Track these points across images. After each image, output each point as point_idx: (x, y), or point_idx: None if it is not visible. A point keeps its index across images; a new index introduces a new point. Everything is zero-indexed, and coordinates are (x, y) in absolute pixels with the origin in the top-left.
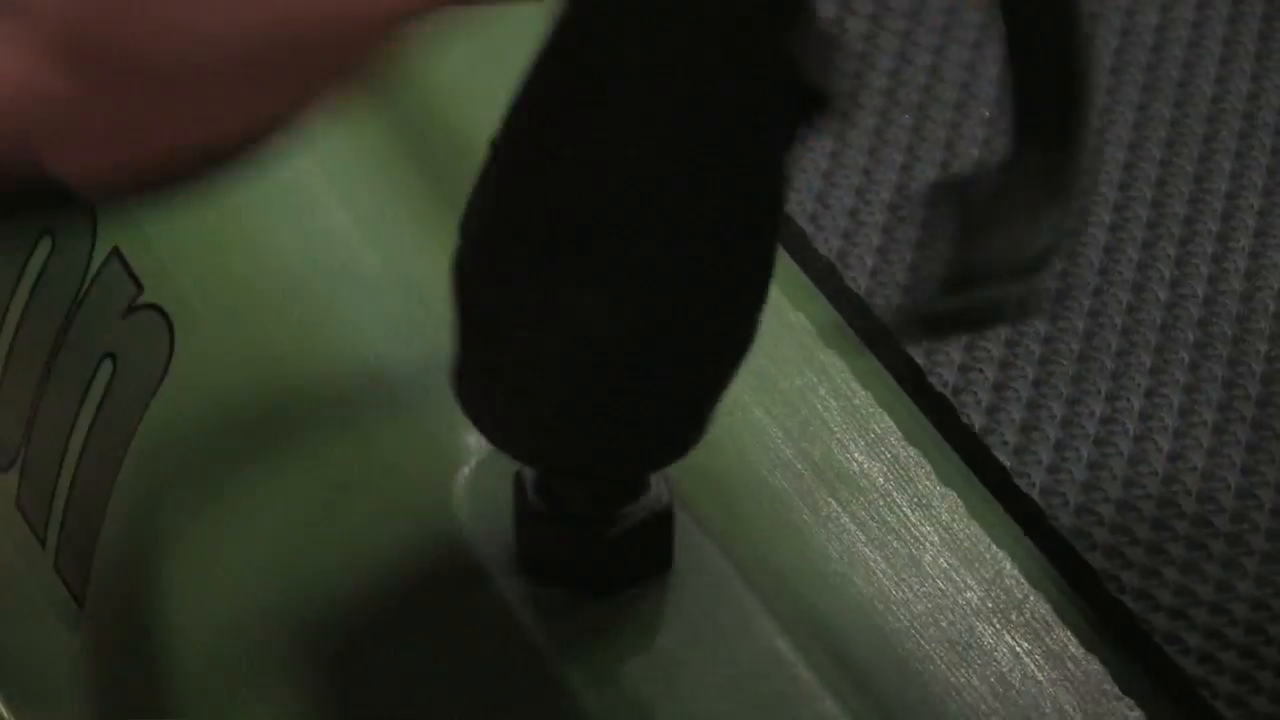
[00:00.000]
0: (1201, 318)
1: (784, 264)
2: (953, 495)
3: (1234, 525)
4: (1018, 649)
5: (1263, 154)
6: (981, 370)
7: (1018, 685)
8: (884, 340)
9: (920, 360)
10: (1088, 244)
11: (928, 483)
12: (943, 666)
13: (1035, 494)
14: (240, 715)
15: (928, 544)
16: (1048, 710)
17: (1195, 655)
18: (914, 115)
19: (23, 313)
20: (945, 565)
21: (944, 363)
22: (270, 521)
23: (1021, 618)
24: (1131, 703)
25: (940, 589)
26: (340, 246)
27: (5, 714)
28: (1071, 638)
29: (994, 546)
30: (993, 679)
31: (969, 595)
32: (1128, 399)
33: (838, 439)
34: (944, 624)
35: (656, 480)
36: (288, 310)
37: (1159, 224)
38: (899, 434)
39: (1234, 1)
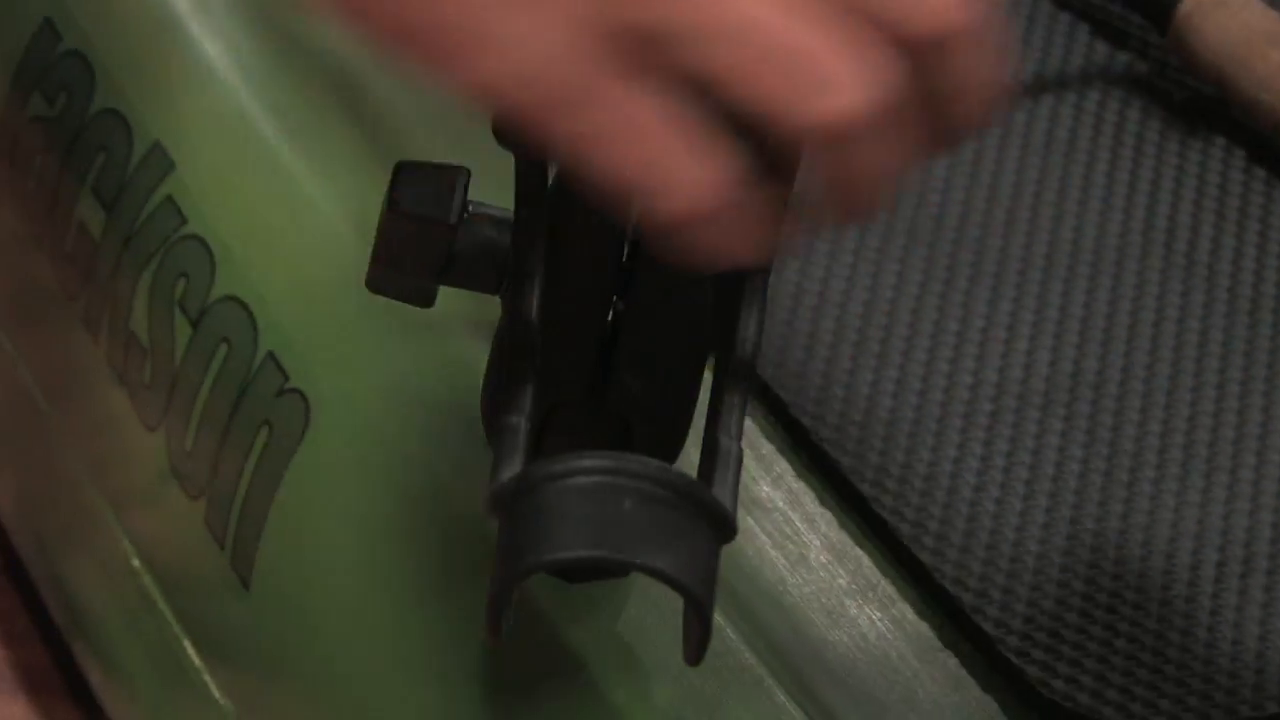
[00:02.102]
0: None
1: None
2: (828, 514)
3: (1029, 509)
4: (872, 618)
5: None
6: (849, 426)
7: (873, 642)
8: (779, 409)
9: (806, 422)
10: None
11: (812, 506)
12: (822, 630)
13: (885, 513)
14: (355, 668)
15: (812, 547)
16: (893, 658)
17: (992, 620)
18: None
19: (210, 394)
20: (824, 561)
21: (823, 425)
22: (379, 529)
23: (875, 596)
24: (950, 654)
25: (820, 577)
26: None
27: (196, 660)
28: (908, 609)
29: (856, 548)
30: (856, 638)
31: (840, 581)
32: (971, 446)
33: (751, 476)
34: (823, 601)
35: None
36: (398, 407)
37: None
38: (792, 473)
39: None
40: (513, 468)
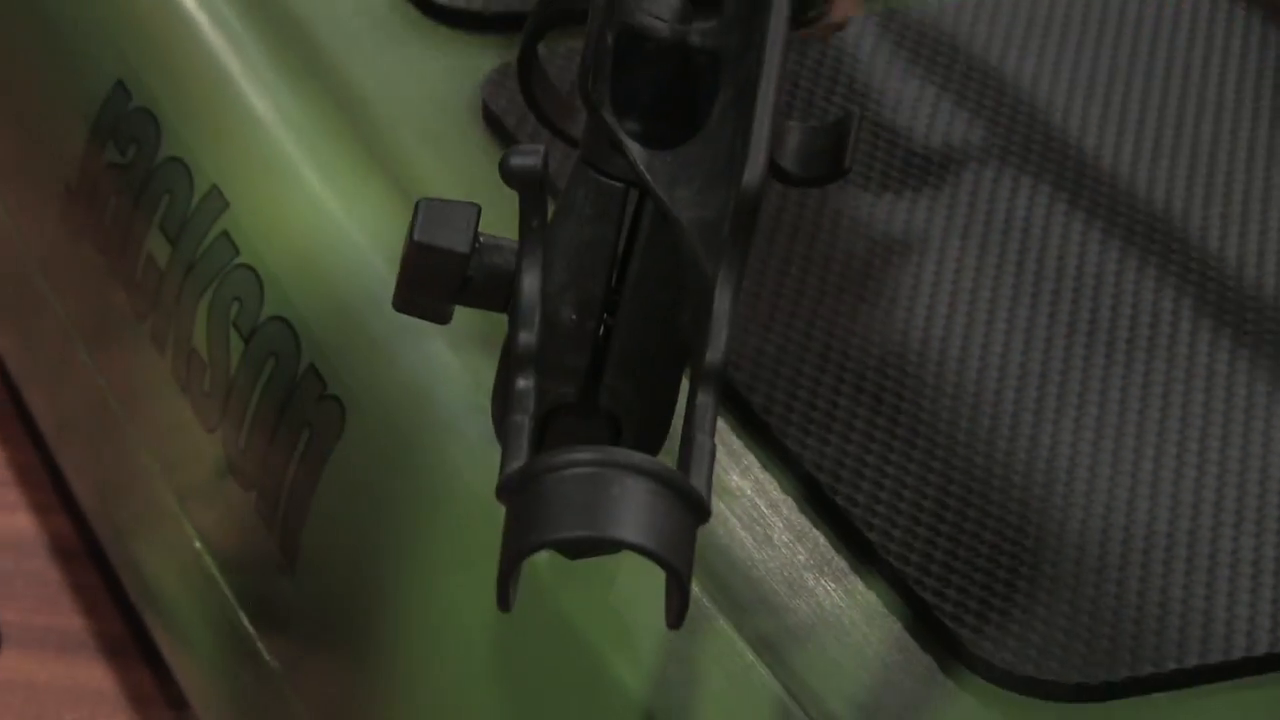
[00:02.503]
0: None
1: None
2: (790, 500)
3: (966, 497)
4: (827, 589)
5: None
6: (810, 425)
7: (828, 610)
8: (748, 410)
9: (772, 422)
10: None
11: (775, 493)
12: (784, 599)
13: (840, 499)
14: (385, 634)
15: (775, 528)
16: (845, 624)
17: (931, 590)
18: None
19: (259, 400)
20: (786, 540)
21: (788, 424)
22: (405, 515)
23: (830, 570)
24: (895, 619)
25: (783, 554)
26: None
27: (249, 628)
28: (859, 581)
29: (814, 529)
30: (814, 606)
31: (799, 558)
32: (917, 443)
33: (723, 467)
34: (785, 574)
35: None
36: (421, 410)
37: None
38: (759, 464)
39: None
40: (518, 460)
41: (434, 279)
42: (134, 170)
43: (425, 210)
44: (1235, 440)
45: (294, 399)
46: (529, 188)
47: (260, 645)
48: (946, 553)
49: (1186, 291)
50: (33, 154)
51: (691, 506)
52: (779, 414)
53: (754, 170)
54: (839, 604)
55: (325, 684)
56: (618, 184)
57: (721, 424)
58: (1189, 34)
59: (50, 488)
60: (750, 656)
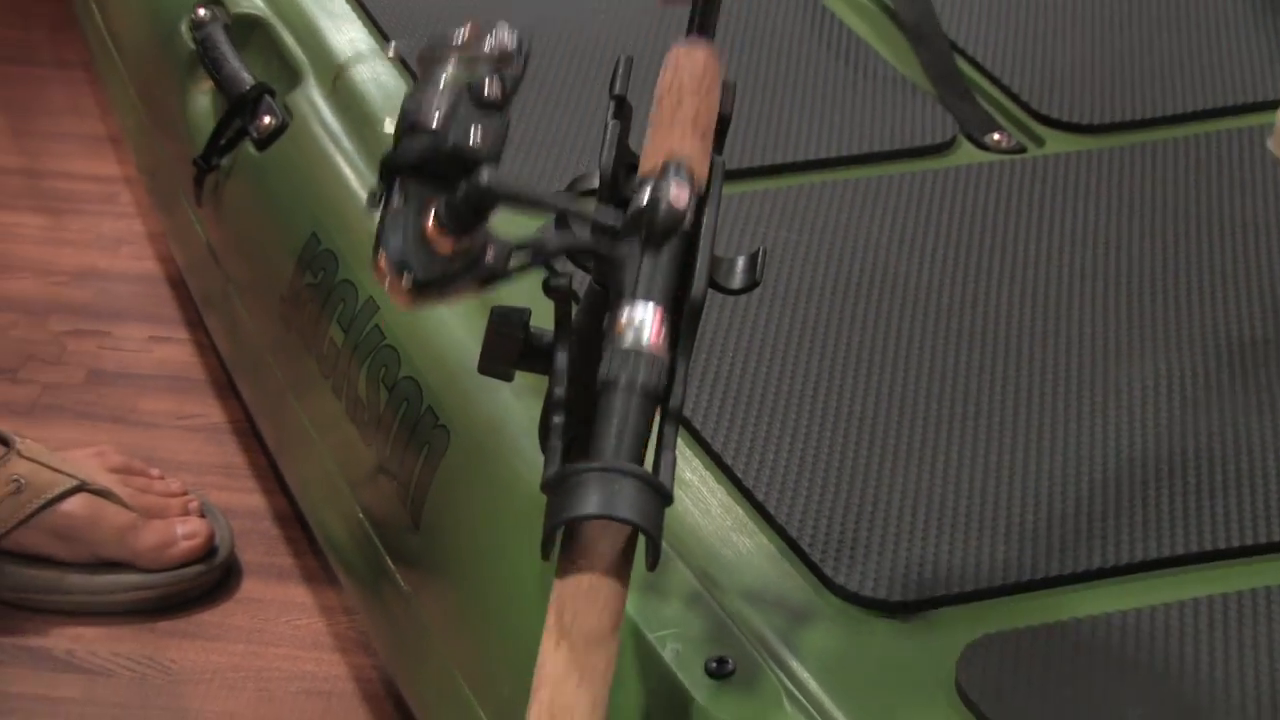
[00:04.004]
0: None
1: None
2: (721, 490)
3: (841, 474)
4: (744, 543)
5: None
6: (735, 441)
7: (744, 555)
8: (697, 432)
9: (710, 439)
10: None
11: (713, 484)
12: (717, 548)
13: (751, 485)
14: (476, 572)
15: (712, 505)
16: (755, 563)
17: (805, 538)
18: None
19: (397, 428)
20: (718, 512)
21: (721, 438)
22: (488, 502)
23: (746, 531)
24: (787, 562)
25: (717, 521)
26: None
27: (390, 564)
28: (764, 539)
29: (737, 506)
30: (736, 554)
31: (727, 522)
32: (811, 442)
33: (680, 468)
34: (718, 533)
35: None
36: (498, 434)
37: None
38: (702, 466)
39: None
40: (554, 468)
41: (501, 353)
42: (322, 287)
43: (496, 313)
44: (1025, 421)
45: (418, 427)
46: (560, 298)
47: (398, 577)
48: (818, 518)
49: (1015, 320)
50: (261, 276)
51: (661, 495)
52: (714, 434)
53: (699, 287)
54: (751, 551)
55: (439, 601)
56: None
57: (681, 442)
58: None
59: (273, 479)
60: (697, 585)
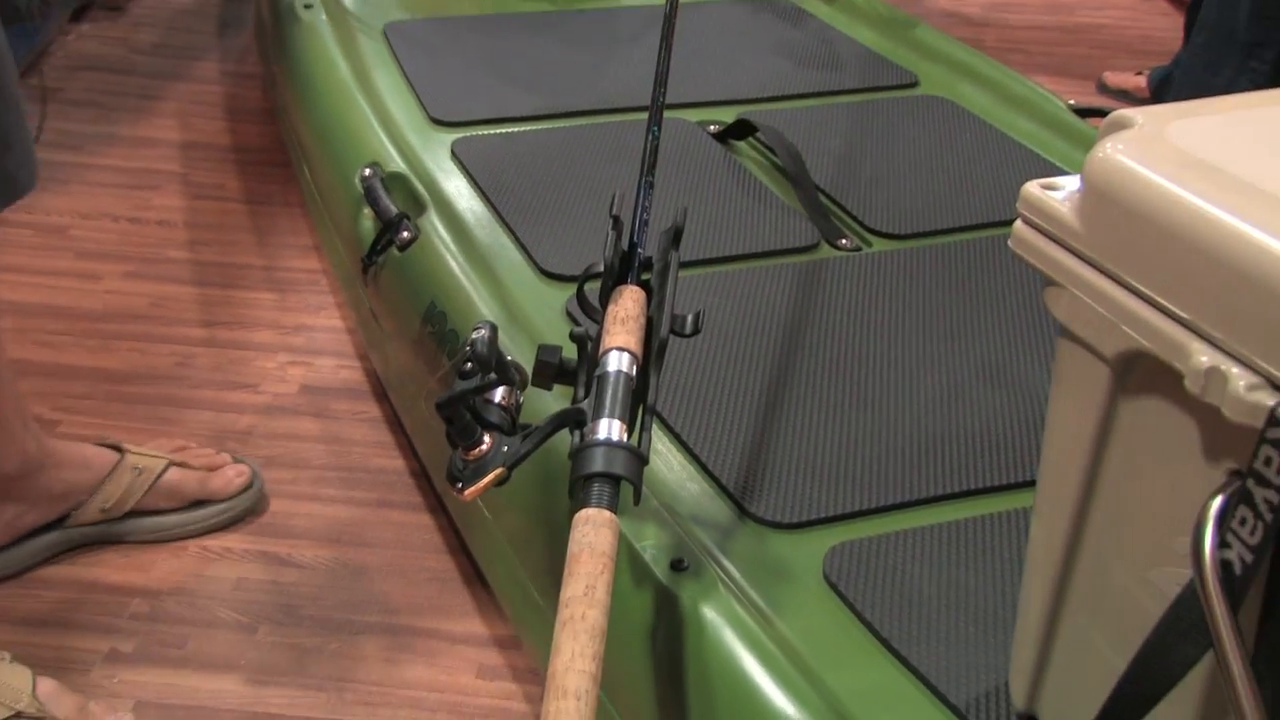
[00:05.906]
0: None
1: None
2: (681, 457)
3: (771, 446)
4: (694, 490)
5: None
6: (697, 422)
7: (693, 493)
8: (665, 421)
9: (675, 425)
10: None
11: (675, 454)
12: (675, 489)
13: (695, 448)
14: (521, 523)
15: (673, 464)
16: (705, 506)
17: (739, 489)
18: None
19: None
20: (675, 468)
21: (685, 424)
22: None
23: (689, 487)
24: (724, 503)
25: (677, 473)
26: None
27: (485, 512)
28: (710, 490)
29: (691, 466)
30: (693, 501)
31: (683, 475)
32: (751, 429)
33: (654, 444)
34: (676, 481)
35: None
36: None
37: None
38: (668, 440)
39: None
40: (575, 443)
41: (544, 374)
42: (436, 333)
43: (542, 351)
44: (867, 411)
45: None
46: (580, 342)
47: (484, 511)
48: (739, 470)
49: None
50: (402, 327)
51: (640, 459)
52: (675, 419)
53: (664, 332)
54: (697, 492)
55: (511, 528)
56: None
57: (655, 427)
58: None
59: (410, 450)
60: (664, 514)
